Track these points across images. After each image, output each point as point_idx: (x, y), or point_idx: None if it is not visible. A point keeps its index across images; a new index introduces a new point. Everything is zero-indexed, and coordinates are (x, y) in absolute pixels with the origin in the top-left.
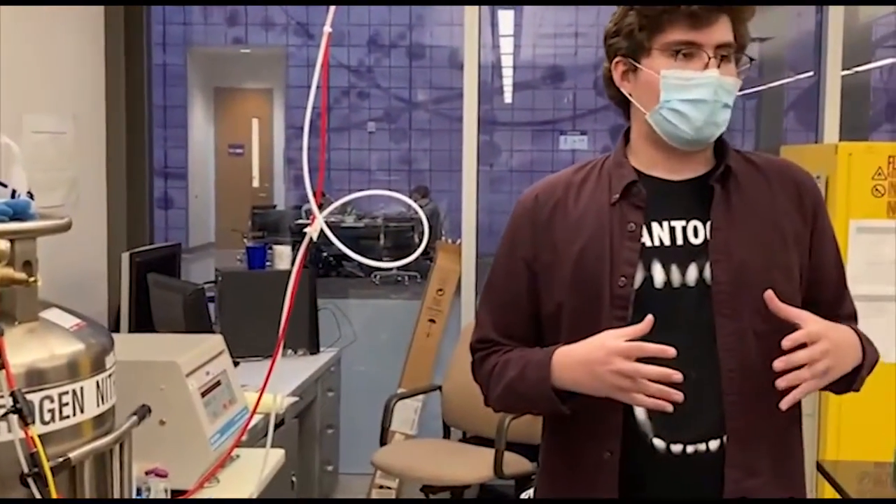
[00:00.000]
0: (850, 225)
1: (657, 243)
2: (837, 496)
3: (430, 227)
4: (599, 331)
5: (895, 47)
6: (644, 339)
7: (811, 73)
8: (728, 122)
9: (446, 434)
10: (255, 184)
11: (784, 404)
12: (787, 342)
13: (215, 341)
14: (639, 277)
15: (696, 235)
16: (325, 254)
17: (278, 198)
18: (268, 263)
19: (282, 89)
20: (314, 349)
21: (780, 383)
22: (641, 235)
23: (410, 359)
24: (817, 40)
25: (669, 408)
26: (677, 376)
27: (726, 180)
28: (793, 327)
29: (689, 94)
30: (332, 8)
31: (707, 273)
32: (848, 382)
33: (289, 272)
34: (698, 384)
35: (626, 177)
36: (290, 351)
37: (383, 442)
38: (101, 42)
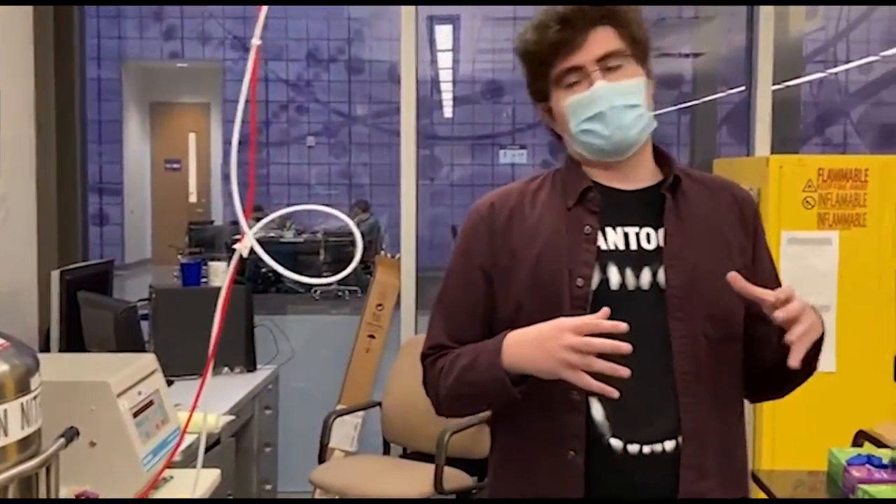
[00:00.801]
0: (782, 236)
1: (612, 247)
2: None
3: (369, 242)
4: None
5: (824, 62)
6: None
7: (743, 88)
8: (644, 119)
9: (386, 450)
10: (193, 199)
11: (795, 362)
12: (773, 296)
13: (147, 360)
14: (595, 279)
15: (648, 241)
16: (262, 269)
17: (216, 213)
18: (203, 280)
19: (219, 104)
20: (251, 366)
21: (791, 337)
22: (597, 238)
23: (350, 375)
24: (748, 56)
25: (615, 393)
26: (626, 348)
27: (676, 190)
28: (739, 332)
29: (587, 113)
30: (263, 12)
31: (661, 277)
32: (811, 358)
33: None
34: (654, 386)
35: (581, 183)
36: (226, 368)
37: (322, 459)
38: (30, 55)
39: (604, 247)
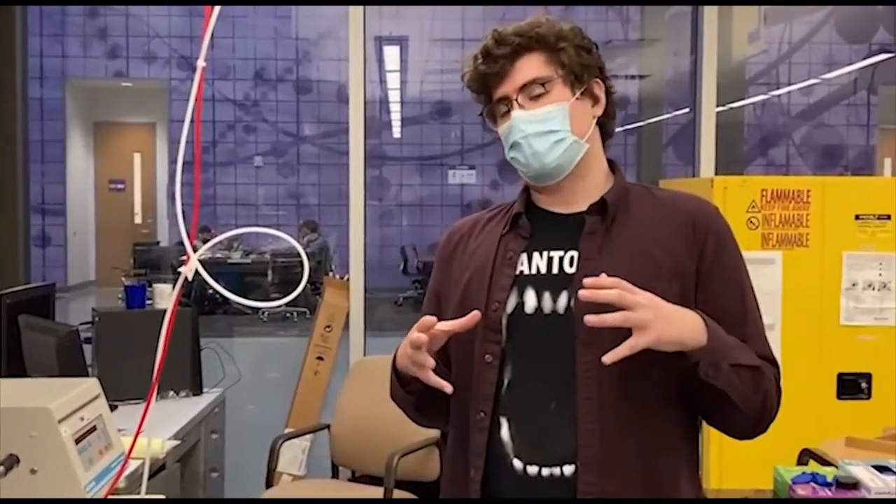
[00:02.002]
0: None
1: (534, 271)
2: None
3: (318, 263)
4: (474, 355)
5: (767, 84)
6: (515, 362)
7: (688, 110)
8: (566, 144)
9: (335, 474)
10: (138, 220)
11: (607, 358)
12: (588, 281)
13: (90, 385)
14: (511, 303)
15: (571, 265)
16: (209, 291)
17: (161, 234)
18: (148, 302)
19: (164, 123)
20: (197, 390)
21: (589, 319)
22: (520, 263)
23: (298, 397)
24: (693, 78)
25: (448, 388)
26: (421, 338)
27: (603, 213)
28: (656, 359)
29: (508, 142)
30: (209, 32)
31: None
32: (693, 381)
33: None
34: (557, 409)
35: (517, 210)
36: (171, 392)
37: (269, 484)
38: None
39: (526, 271)
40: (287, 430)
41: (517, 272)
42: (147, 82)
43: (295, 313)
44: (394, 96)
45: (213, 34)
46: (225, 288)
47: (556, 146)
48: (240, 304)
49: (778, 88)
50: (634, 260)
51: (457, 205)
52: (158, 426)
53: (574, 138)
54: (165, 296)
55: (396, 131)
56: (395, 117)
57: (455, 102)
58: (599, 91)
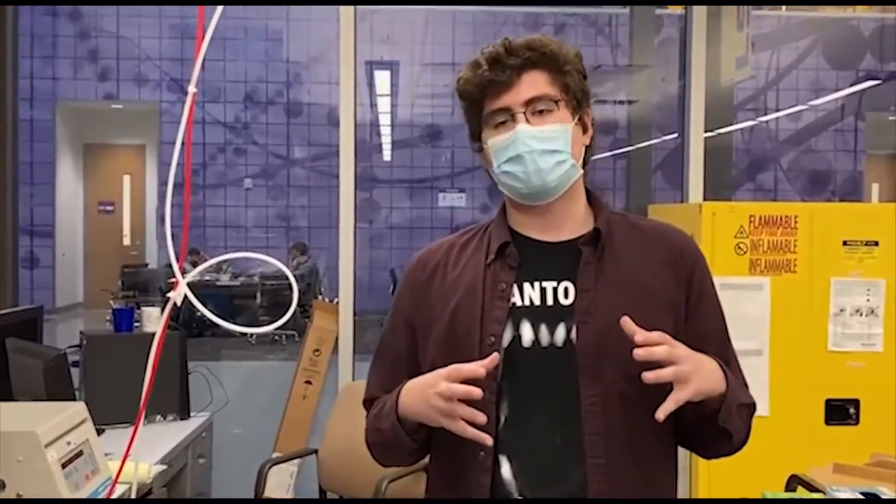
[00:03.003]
0: (715, 282)
1: (527, 303)
2: None
3: (308, 285)
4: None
5: (755, 110)
6: (511, 398)
7: (677, 135)
8: (566, 166)
9: (323, 498)
10: (126, 242)
11: (660, 414)
12: (639, 337)
13: (77, 409)
14: (507, 336)
15: (566, 296)
16: (197, 313)
17: (150, 256)
18: (136, 325)
19: (154, 145)
20: (184, 414)
21: (648, 376)
22: (512, 295)
23: (286, 422)
24: (681, 104)
25: (488, 440)
26: (477, 392)
27: (596, 243)
28: (660, 391)
29: (507, 154)
30: (201, 56)
31: (574, 334)
32: (708, 424)
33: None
34: (562, 445)
35: (501, 237)
36: (159, 416)
37: None
38: None
39: (519, 303)
40: (275, 455)
41: (511, 304)
42: (137, 104)
43: (283, 336)
44: (384, 119)
45: (204, 58)
46: (213, 311)
47: (558, 167)
48: (228, 328)
49: (766, 114)
50: (630, 291)
51: (446, 227)
52: (145, 450)
53: (573, 161)
54: (153, 319)
55: (387, 154)
56: (386, 140)
57: (446, 126)
58: (588, 120)
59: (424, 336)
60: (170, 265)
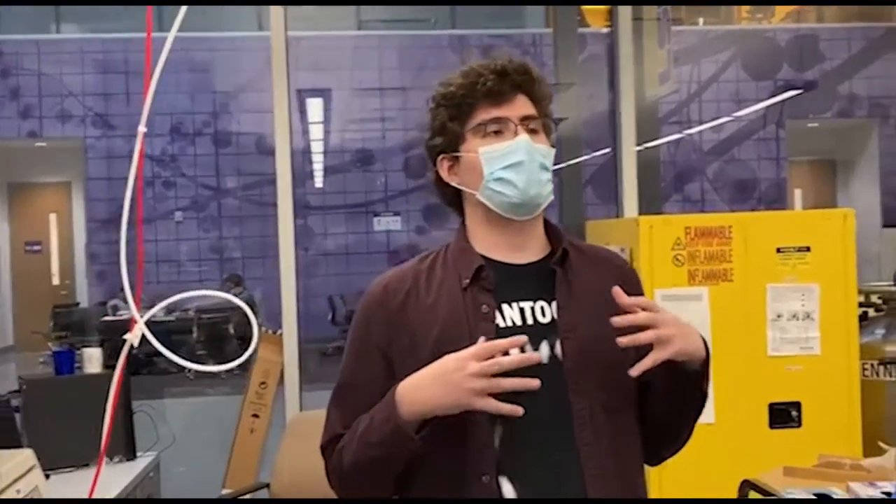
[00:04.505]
0: (656, 294)
1: (510, 323)
2: None
3: (245, 317)
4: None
5: (679, 123)
6: (505, 417)
7: (606, 151)
8: (550, 186)
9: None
10: (56, 281)
11: (634, 371)
12: (625, 300)
13: (26, 456)
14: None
15: (543, 315)
16: (133, 351)
17: (81, 295)
18: (77, 367)
19: (80, 182)
20: (131, 455)
21: (622, 340)
22: (495, 317)
23: (234, 457)
24: (612, 120)
25: (519, 410)
26: (536, 357)
27: (564, 263)
28: (632, 400)
29: (507, 161)
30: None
31: (558, 349)
32: (695, 384)
33: (100, 375)
34: (559, 459)
35: (473, 262)
36: (105, 458)
37: None
38: None
39: (502, 324)
40: (225, 491)
41: (494, 325)
42: (61, 141)
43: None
44: (316, 147)
45: (126, 91)
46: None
47: (548, 184)
48: (195, 369)
49: (690, 126)
50: (598, 306)
51: (383, 252)
52: (95, 494)
53: (552, 183)
54: (94, 360)
55: (319, 181)
56: (318, 167)
57: (377, 150)
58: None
59: (404, 361)
60: (102, 303)
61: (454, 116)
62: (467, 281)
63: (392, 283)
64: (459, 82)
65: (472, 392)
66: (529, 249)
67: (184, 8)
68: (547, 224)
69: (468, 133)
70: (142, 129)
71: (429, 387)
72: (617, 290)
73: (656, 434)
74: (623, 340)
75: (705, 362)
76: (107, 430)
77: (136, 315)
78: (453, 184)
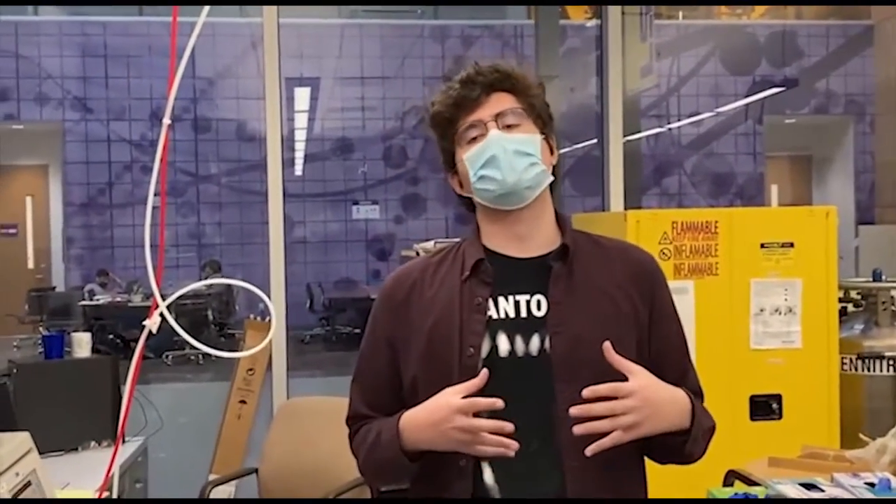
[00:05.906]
0: None
1: (503, 315)
2: None
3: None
4: None
5: (658, 116)
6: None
7: (587, 144)
8: (538, 169)
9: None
10: (31, 265)
11: (589, 451)
12: (587, 392)
13: (22, 439)
14: (485, 348)
15: (538, 308)
16: (110, 336)
17: (57, 279)
18: (67, 350)
19: (58, 165)
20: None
21: (577, 429)
22: (488, 308)
23: (221, 442)
24: (600, 113)
25: (511, 453)
26: (509, 427)
27: (565, 258)
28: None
29: (482, 159)
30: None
31: (548, 343)
32: (672, 450)
33: (89, 360)
34: (540, 449)
35: (475, 255)
36: (93, 443)
37: None
38: None
39: (495, 316)
40: (213, 477)
41: (487, 317)
42: (39, 124)
43: (200, 356)
44: (298, 135)
45: (105, 75)
46: (124, 332)
47: (531, 168)
48: (210, 353)
49: (669, 121)
50: (598, 304)
51: (361, 240)
52: (82, 478)
53: (543, 167)
54: (84, 344)
55: (298, 169)
56: (298, 155)
57: (357, 139)
58: (553, 144)
59: (405, 353)
60: (79, 287)
61: (443, 135)
62: (467, 273)
63: (401, 276)
64: (438, 99)
65: (460, 443)
66: (535, 242)
67: (206, 8)
68: (560, 220)
69: (456, 146)
70: (166, 120)
71: (424, 431)
72: (607, 347)
73: (653, 451)
74: (578, 429)
75: (688, 431)
76: (124, 414)
77: (159, 298)
78: (463, 193)
